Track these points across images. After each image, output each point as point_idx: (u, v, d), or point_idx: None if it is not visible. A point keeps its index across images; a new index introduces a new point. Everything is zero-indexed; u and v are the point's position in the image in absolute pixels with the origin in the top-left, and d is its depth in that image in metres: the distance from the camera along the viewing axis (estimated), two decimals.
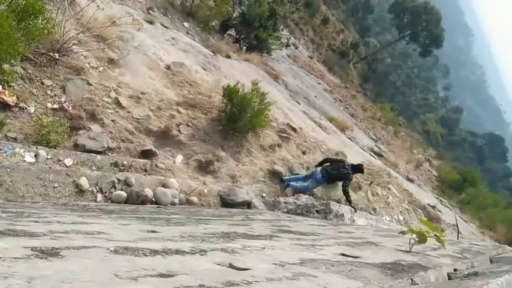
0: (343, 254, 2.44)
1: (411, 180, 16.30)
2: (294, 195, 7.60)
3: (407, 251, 2.97)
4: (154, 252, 1.70)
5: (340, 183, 8.06)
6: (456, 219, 11.30)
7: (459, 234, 9.26)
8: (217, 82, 10.42)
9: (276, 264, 1.82)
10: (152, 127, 7.53)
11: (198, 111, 8.62)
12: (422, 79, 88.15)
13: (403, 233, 3.01)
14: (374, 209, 9.15)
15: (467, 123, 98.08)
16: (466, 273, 2.56)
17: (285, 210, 6.77)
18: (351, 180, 8.01)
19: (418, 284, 1.98)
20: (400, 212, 10.29)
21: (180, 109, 8.48)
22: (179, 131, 7.79)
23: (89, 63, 7.94)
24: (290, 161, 9.24)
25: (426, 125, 61.27)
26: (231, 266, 1.66)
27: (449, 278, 2.51)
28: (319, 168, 8.12)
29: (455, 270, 2.75)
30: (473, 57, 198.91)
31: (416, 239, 2.94)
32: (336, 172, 7.79)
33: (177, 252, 1.78)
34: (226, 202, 6.79)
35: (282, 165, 8.88)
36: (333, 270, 1.88)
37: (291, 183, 8.17)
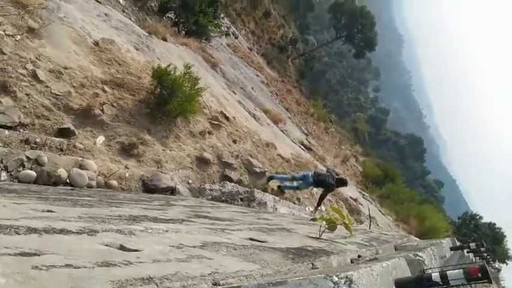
0: (251, 239, 2.41)
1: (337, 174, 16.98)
2: (220, 182, 7.54)
3: (317, 238, 3.03)
4: (32, 230, 1.53)
5: (321, 190, 9.16)
6: (369, 210, 12.03)
7: (371, 224, 9.82)
8: (149, 63, 9.99)
9: (173, 246, 1.72)
10: (73, 104, 7.02)
11: (125, 91, 8.19)
12: (355, 80, 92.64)
13: (314, 220, 3.07)
14: (298, 199, 9.39)
15: (392, 123, 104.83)
16: (368, 259, 2.66)
17: (210, 197, 6.69)
18: (333, 191, 9.37)
19: (318, 268, 2.00)
20: (323, 203, 10.67)
21: (106, 88, 8.00)
22: (102, 110, 7.34)
23: (4, 31, 7.19)
24: (220, 148, 9.15)
25: (355, 123, 64.45)
26: (121, 247, 1.53)
27: (352, 263, 2.60)
28: (310, 173, 9.01)
29: (359, 256, 2.85)
30: (402, 62, 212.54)
31: (327, 227, 3.01)
32: (324, 180, 8.77)
33: (61, 231, 1.62)
34: (149, 187, 6.55)
35: (211, 152, 8.77)
36: (234, 253, 1.83)
37: (284, 184, 9.17)
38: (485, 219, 42.76)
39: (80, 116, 6.97)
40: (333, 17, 56.34)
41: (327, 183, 8.68)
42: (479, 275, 1.45)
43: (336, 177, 9.16)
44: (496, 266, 37.67)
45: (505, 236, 41.10)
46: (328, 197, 11.77)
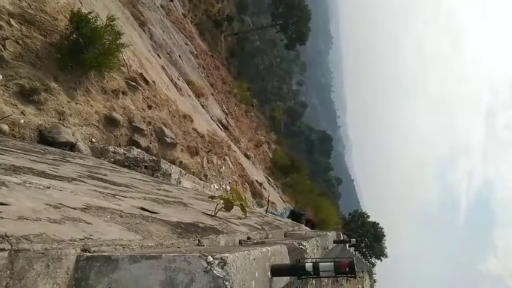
0: (142, 208, 2.33)
1: (248, 157, 17.36)
2: (126, 147, 7.22)
3: (212, 216, 3.04)
4: None
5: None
6: (269, 195, 12.60)
7: (268, 209, 10.25)
8: (70, 6, 9.09)
9: (49, 205, 1.58)
10: None
11: (36, 30, 7.36)
12: (282, 70, 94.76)
13: (212, 197, 3.08)
14: (205, 176, 9.39)
15: (307, 118, 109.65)
16: (256, 242, 2.74)
17: (112, 160, 6.37)
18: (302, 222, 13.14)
19: (204, 245, 2.01)
20: (229, 182, 10.83)
21: (12, 21, 7.10)
22: (4, 45, 6.52)
23: None
24: (132, 112, 8.73)
25: (274, 112, 66.15)
26: None
27: (240, 244, 2.66)
28: (290, 209, 15.37)
29: (248, 238, 2.93)
30: (327, 62, 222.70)
31: (223, 206, 3.04)
32: (297, 215, 14.35)
33: None
34: (46, 139, 6.02)
35: (122, 114, 8.32)
36: (118, 220, 1.75)
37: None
38: (371, 219, 47.24)
39: None
40: (272, 4, 56.68)
41: (298, 218, 13.66)
42: (347, 269, 1.56)
43: (307, 218, 15.40)
44: (372, 261, 41.92)
45: (384, 236, 45.87)
46: (235, 177, 12.01)
